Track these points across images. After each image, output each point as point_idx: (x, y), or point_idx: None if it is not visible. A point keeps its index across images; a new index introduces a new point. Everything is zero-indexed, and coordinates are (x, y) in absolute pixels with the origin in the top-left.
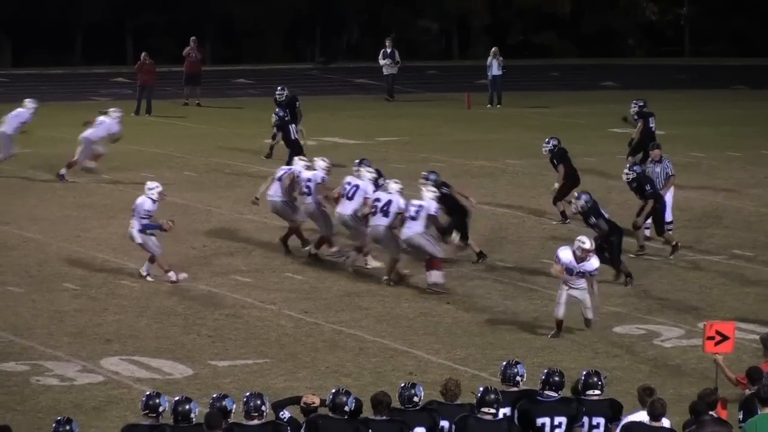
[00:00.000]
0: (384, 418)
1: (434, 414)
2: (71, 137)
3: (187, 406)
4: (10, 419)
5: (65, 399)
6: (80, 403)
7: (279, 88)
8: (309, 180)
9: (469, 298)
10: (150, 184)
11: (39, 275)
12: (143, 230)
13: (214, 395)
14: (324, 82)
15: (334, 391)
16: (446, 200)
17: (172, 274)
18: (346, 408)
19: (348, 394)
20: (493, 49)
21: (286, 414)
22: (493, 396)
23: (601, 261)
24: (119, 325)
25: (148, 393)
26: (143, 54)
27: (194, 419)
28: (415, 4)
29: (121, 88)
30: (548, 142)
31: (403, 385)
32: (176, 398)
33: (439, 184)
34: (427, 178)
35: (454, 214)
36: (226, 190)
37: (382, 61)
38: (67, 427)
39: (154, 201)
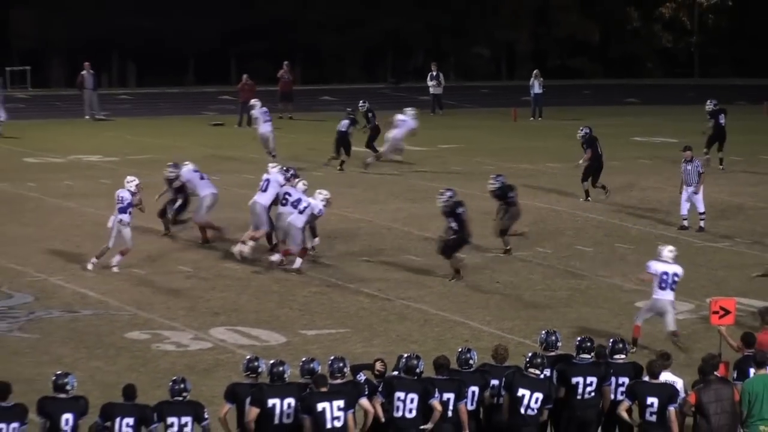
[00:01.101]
0: (445, 377)
1: (486, 375)
2: (184, 145)
3: (281, 368)
4: (134, 378)
5: (180, 362)
6: (193, 365)
7: (361, 101)
8: (267, 180)
9: (515, 279)
10: (128, 177)
11: (159, 260)
12: (121, 220)
13: (304, 359)
14: (394, 99)
15: (407, 355)
16: None
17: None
18: (418, 370)
19: (419, 358)
20: (535, 71)
21: (361, 377)
22: (539, 360)
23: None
24: (225, 300)
25: (248, 357)
26: (245, 76)
27: (287, 379)
28: (469, 34)
29: (226, 104)
30: (582, 130)
31: (460, 350)
32: (272, 361)
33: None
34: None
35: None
36: (314, 188)
37: (429, 83)
38: (182, 385)
39: (132, 193)
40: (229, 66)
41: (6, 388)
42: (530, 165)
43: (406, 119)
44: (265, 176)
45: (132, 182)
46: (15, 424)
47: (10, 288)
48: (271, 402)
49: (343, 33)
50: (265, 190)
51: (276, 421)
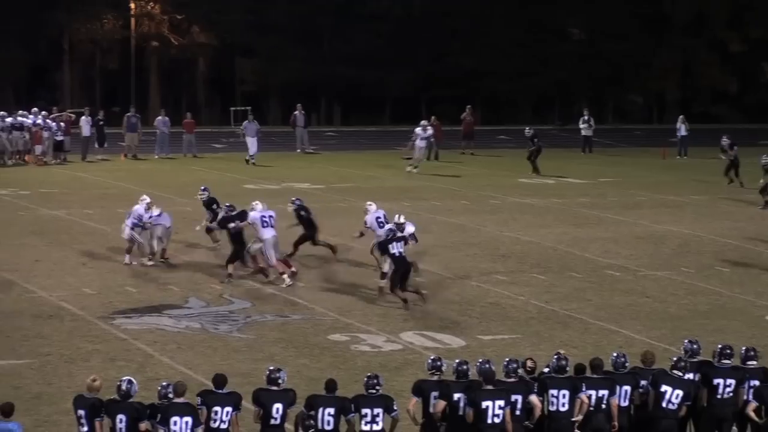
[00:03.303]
0: (600, 376)
1: (636, 376)
2: (381, 175)
3: (465, 367)
4: (335, 374)
5: (375, 361)
6: (385, 364)
7: (527, 127)
8: (271, 216)
9: (661, 294)
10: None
11: (358, 271)
12: (132, 228)
13: (480, 360)
14: (561, 139)
15: (556, 357)
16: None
17: (145, 260)
18: (567, 370)
19: (566, 359)
20: (681, 116)
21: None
22: (683, 363)
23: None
24: (414, 309)
25: (433, 357)
26: (433, 117)
27: (469, 376)
28: (625, 84)
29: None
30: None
31: (615, 354)
32: (458, 360)
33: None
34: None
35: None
36: (491, 215)
37: (581, 125)
38: (376, 380)
39: (145, 209)
40: (420, 108)
41: (223, 379)
42: (677, 197)
43: None
44: (265, 213)
45: (144, 201)
46: (228, 408)
47: (231, 295)
48: (456, 396)
49: (518, 82)
50: (272, 226)
51: (460, 412)
